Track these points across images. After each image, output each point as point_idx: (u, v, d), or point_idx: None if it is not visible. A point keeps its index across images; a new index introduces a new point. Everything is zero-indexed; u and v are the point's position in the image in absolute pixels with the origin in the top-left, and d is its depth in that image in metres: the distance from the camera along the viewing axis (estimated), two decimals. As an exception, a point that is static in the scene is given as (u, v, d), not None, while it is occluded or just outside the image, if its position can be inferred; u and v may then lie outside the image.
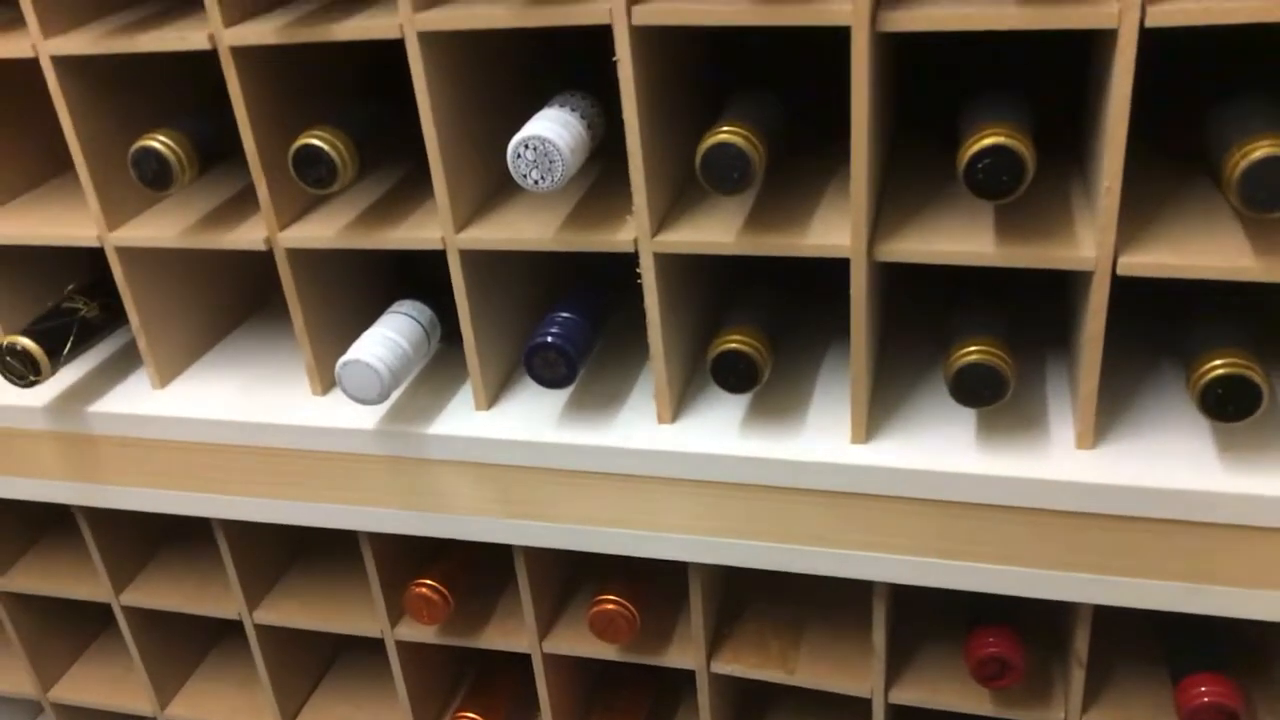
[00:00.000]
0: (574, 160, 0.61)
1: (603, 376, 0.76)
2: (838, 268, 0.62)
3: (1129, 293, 0.60)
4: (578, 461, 0.70)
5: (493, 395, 0.74)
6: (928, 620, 0.80)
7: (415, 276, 0.78)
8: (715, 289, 0.76)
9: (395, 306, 0.73)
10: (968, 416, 0.67)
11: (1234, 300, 0.62)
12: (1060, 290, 0.73)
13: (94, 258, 0.77)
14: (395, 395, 0.76)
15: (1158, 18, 0.52)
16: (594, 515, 0.72)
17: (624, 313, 0.73)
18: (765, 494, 0.67)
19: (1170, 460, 0.62)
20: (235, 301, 0.88)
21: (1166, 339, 0.70)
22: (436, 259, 0.69)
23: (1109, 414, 0.66)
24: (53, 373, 0.75)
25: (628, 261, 0.65)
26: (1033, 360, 0.72)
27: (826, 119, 0.67)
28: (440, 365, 0.79)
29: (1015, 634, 0.71)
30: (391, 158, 0.79)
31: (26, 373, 0.74)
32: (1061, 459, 0.63)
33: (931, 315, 0.72)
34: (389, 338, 0.70)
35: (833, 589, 0.82)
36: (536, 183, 0.61)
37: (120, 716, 1.05)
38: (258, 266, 0.76)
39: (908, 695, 0.77)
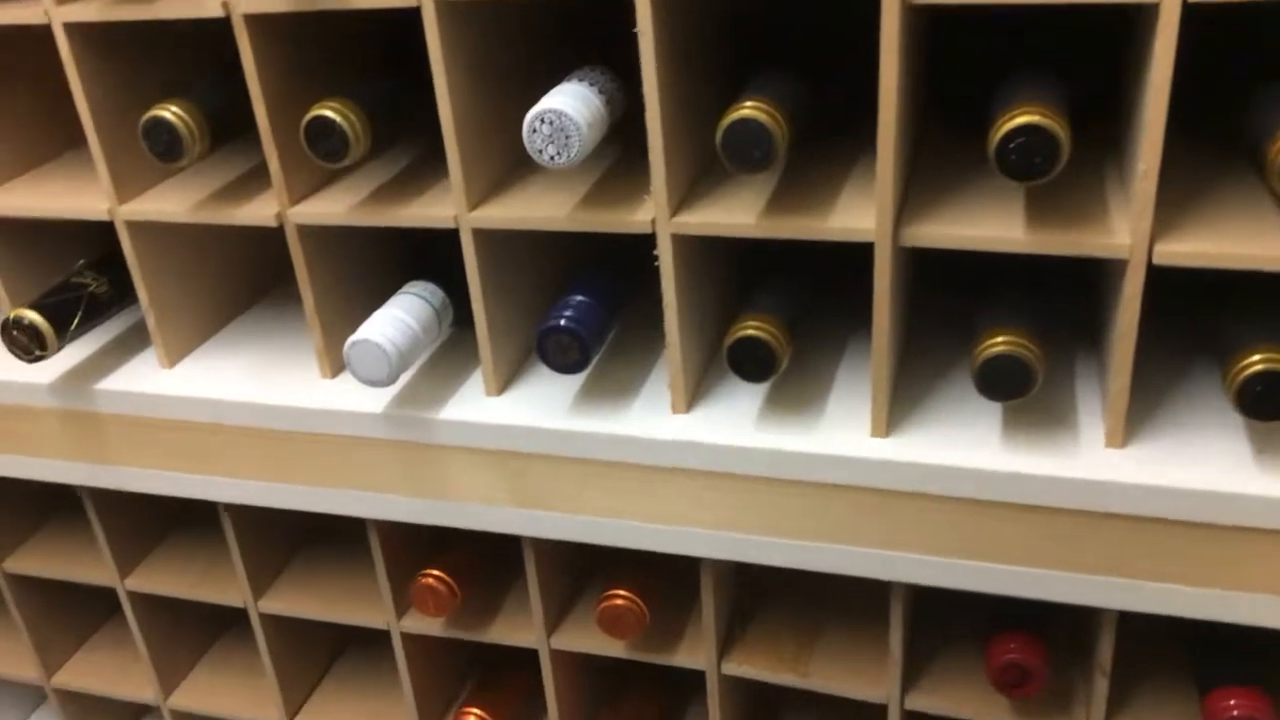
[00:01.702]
0: (591, 135, 0.59)
1: (617, 364, 0.74)
2: (860, 257, 0.60)
3: (1163, 285, 0.58)
4: (589, 450, 0.68)
5: (504, 381, 0.72)
6: (947, 625, 0.78)
7: (428, 259, 0.76)
8: (734, 277, 0.74)
9: (407, 288, 0.72)
10: (993, 412, 0.65)
11: (1274, 294, 0.60)
12: (1091, 284, 0.70)
13: (104, 234, 0.76)
14: (405, 379, 0.74)
15: (1202, -6, 0.50)
16: (605, 506, 0.70)
17: (640, 301, 0.71)
18: (781, 488, 0.65)
19: (1203, 461, 0.59)
20: (246, 283, 0.86)
21: (1201, 336, 0.68)
22: (450, 240, 0.67)
23: (1140, 412, 0.63)
24: (59, 348, 0.74)
25: (645, 247, 0.63)
26: (1062, 356, 0.69)
27: (853, 100, 0.65)
28: (451, 350, 0.77)
29: (1037, 641, 0.68)
30: (406, 138, 0.78)
31: (33, 347, 0.73)
32: (1090, 457, 0.61)
33: (957, 309, 0.70)
34: (399, 318, 0.68)
35: (849, 591, 0.80)
36: (552, 158, 0.59)
37: (123, 705, 1.04)
38: (270, 249, 0.74)
39: (925, 702, 0.74)
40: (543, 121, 0.58)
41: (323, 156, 0.64)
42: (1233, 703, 0.63)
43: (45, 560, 0.96)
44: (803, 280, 0.71)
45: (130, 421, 0.78)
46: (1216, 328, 0.61)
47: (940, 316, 0.74)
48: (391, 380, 0.67)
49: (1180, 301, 0.68)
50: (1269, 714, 0.62)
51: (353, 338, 0.67)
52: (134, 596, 0.93)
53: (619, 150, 0.71)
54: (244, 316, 0.85)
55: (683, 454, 0.66)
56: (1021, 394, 0.59)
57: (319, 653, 0.98)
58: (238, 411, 0.75)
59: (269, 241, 0.73)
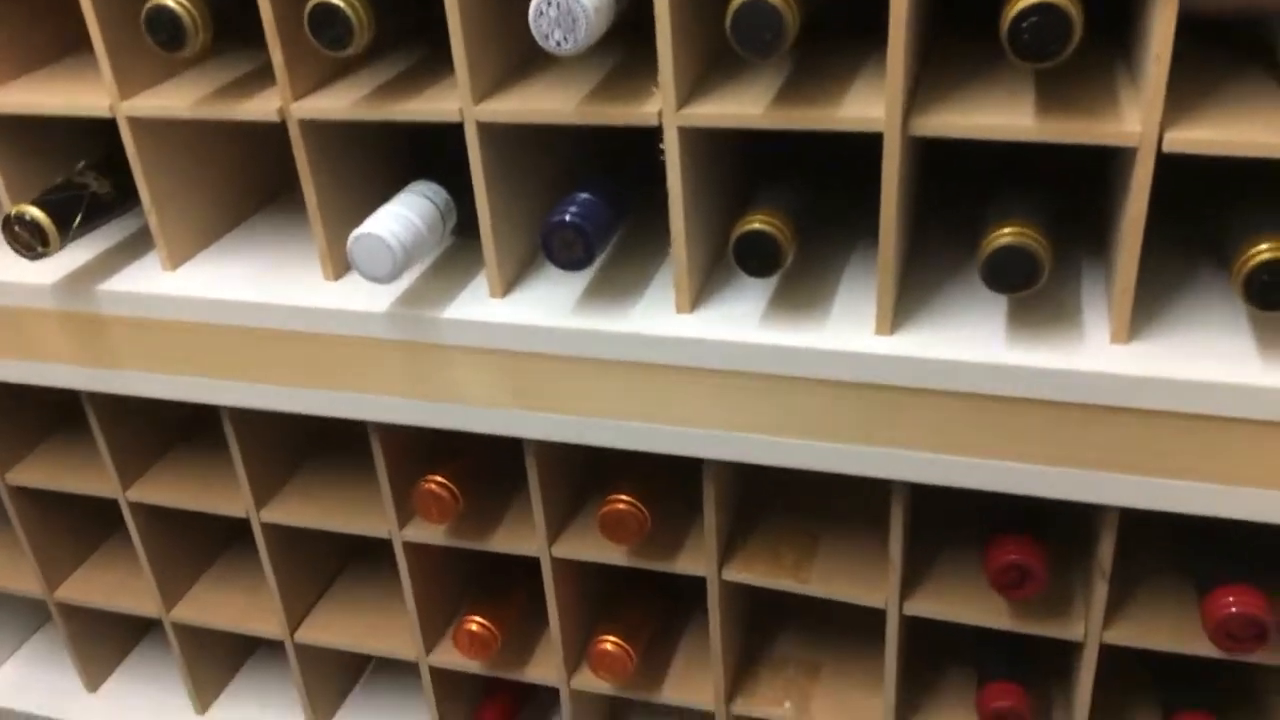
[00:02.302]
0: (598, 20, 0.58)
1: (623, 267, 0.74)
2: (868, 156, 0.59)
3: (1170, 190, 0.57)
4: (592, 349, 0.68)
5: (509, 282, 0.72)
6: (946, 533, 0.78)
7: (433, 161, 0.76)
8: (741, 177, 0.74)
9: (411, 186, 0.71)
10: (999, 310, 0.65)
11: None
12: (1098, 193, 0.70)
13: (107, 135, 0.75)
14: (408, 280, 0.74)
15: None
16: (607, 407, 0.70)
17: (649, 212, 0.71)
18: (785, 386, 0.65)
19: (1208, 355, 0.60)
20: (251, 190, 0.86)
21: (1205, 241, 0.68)
22: (455, 140, 0.67)
23: (1145, 310, 0.63)
24: (61, 245, 0.73)
25: (652, 153, 0.63)
26: (1068, 259, 0.69)
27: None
28: (456, 257, 0.77)
29: (1037, 543, 0.69)
30: (411, 42, 0.77)
31: (34, 243, 0.73)
32: (1095, 352, 0.61)
33: (965, 219, 0.69)
34: (403, 214, 0.68)
35: (849, 500, 0.81)
36: (559, 44, 0.58)
37: (127, 620, 1.05)
38: (275, 155, 0.74)
39: (923, 607, 0.74)
40: (549, 4, 0.58)
41: (327, 45, 0.63)
42: (1231, 599, 0.63)
43: (48, 472, 0.96)
44: (810, 180, 0.71)
45: (131, 323, 0.78)
46: (1222, 226, 0.61)
47: (948, 224, 0.73)
48: (395, 276, 0.67)
49: (1185, 206, 0.67)
50: (1269, 611, 0.63)
51: (356, 231, 0.66)
52: (136, 508, 0.93)
53: (626, 50, 0.70)
54: (249, 222, 0.85)
55: (686, 351, 0.66)
56: (1028, 285, 0.59)
57: (322, 566, 0.99)
58: (239, 312, 0.74)
59: (274, 147, 0.72)
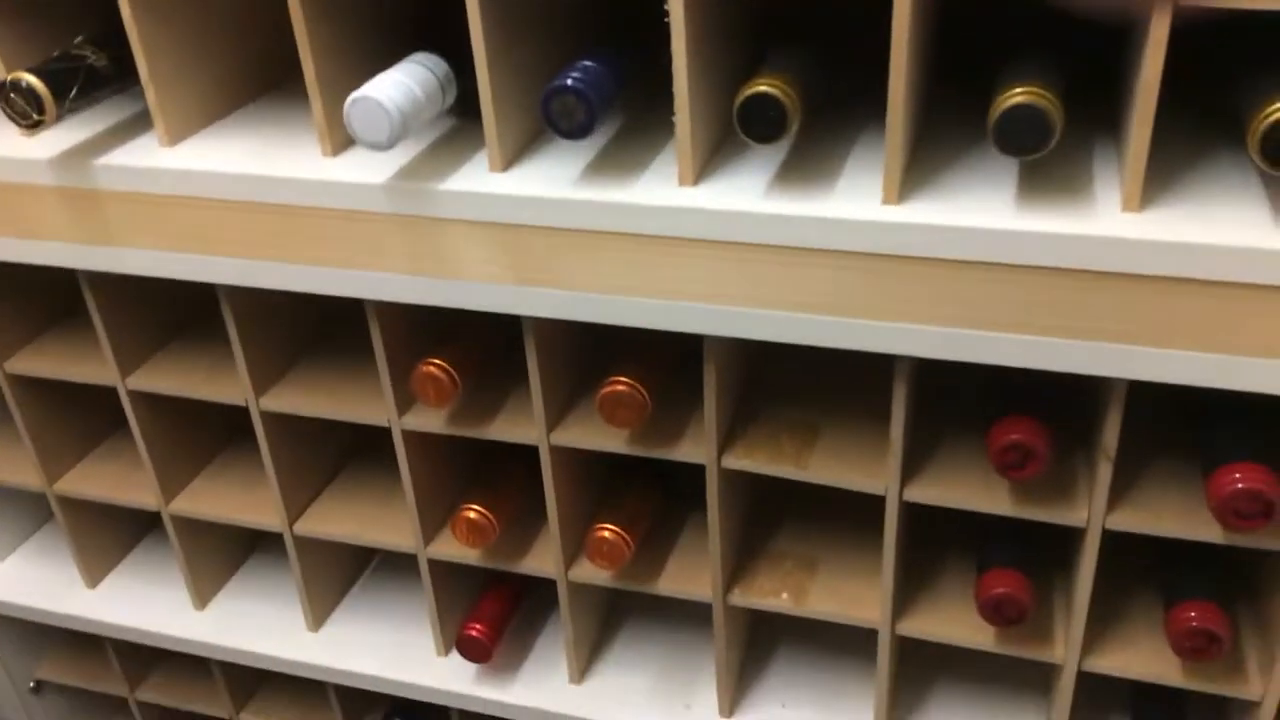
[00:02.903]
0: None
1: (626, 144, 0.72)
2: (883, 30, 0.58)
3: (1182, 56, 0.56)
4: (591, 221, 0.67)
5: (509, 157, 0.71)
6: (948, 419, 0.78)
7: (436, 37, 0.74)
8: (751, 47, 0.72)
9: (411, 57, 0.70)
10: (1009, 180, 0.64)
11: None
12: (1111, 64, 0.68)
13: (104, 8, 0.74)
14: (408, 156, 0.73)
15: None
16: (608, 282, 0.69)
17: (655, 80, 0.69)
18: (789, 257, 0.64)
19: (1221, 221, 0.58)
20: (251, 74, 0.84)
21: (1218, 111, 0.66)
22: (458, 14, 0.65)
23: (1159, 181, 0.62)
24: (57, 116, 0.72)
25: (659, 13, 0.61)
26: (1080, 134, 0.68)
27: None
28: (459, 137, 0.75)
29: (1040, 424, 0.68)
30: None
31: (30, 111, 0.71)
32: (1107, 219, 0.59)
33: (978, 91, 0.67)
34: (402, 81, 0.67)
35: (852, 391, 0.80)
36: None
37: (128, 514, 1.05)
38: (279, 39, 0.72)
39: (924, 493, 0.74)
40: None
41: (325, -104, 0.62)
42: (1237, 476, 0.62)
43: (47, 361, 0.96)
44: (823, 55, 0.69)
45: (128, 199, 0.77)
46: (1236, 91, 0.60)
47: (961, 103, 0.72)
48: (392, 143, 0.66)
49: (1198, 79, 0.66)
50: (1275, 488, 0.62)
51: (354, 94, 0.65)
52: (135, 396, 0.92)
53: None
54: (251, 105, 0.84)
55: (688, 222, 0.65)
56: (1040, 148, 0.57)
57: (323, 460, 0.99)
58: (234, 185, 0.73)
59: (277, 32, 0.70)
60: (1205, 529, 0.68)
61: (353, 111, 0.65)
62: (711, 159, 0.70)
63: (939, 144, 0.69)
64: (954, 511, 0.75)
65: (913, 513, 0.82)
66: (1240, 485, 0.62)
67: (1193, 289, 0.58)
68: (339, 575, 1.06)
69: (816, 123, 0.72)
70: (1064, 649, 0.76)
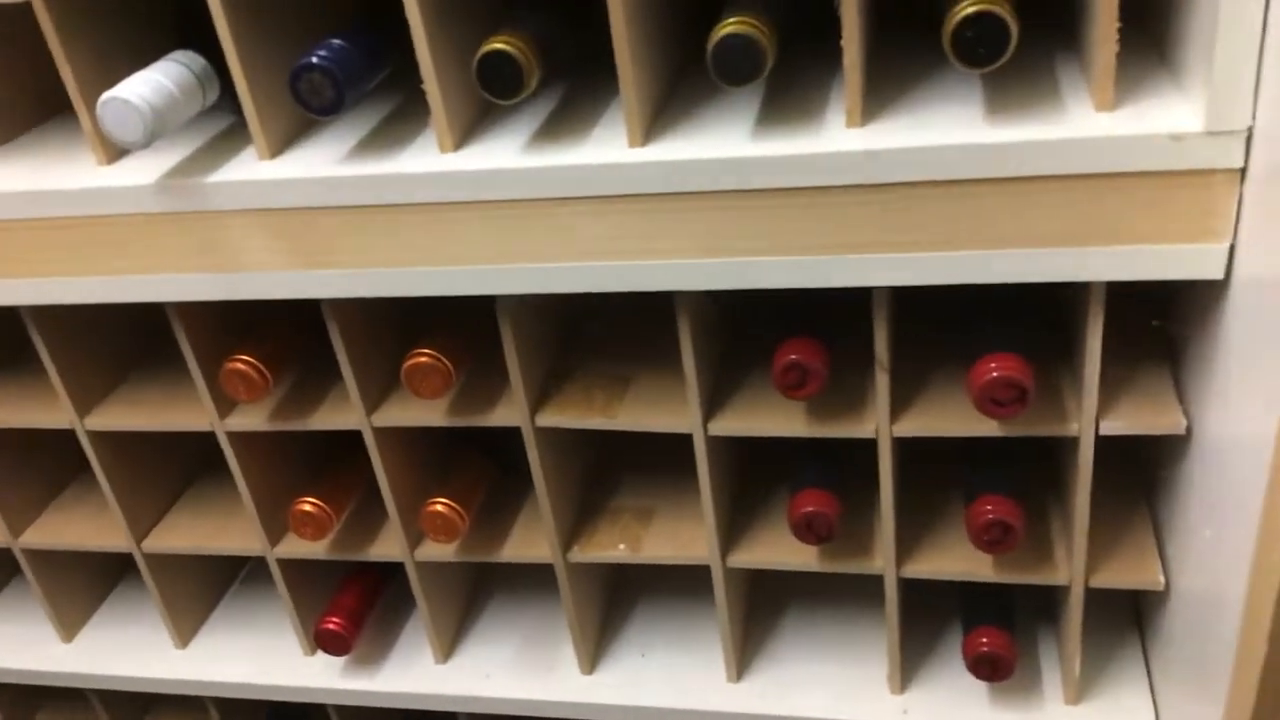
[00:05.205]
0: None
1: (398, 119, 0.74)
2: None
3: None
4: (362, 195, 0.68)
5: (277, 144, 0.72)
6: (746, 355, 0.80)
7: (197, 37, 0.75)
8: (492, 9, 0.74)
9: (168, 55, 0.71)
10: (749, 111, 0.66)
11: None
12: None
13: None
14: (179, 155, 0.73)
15: None
16: (387, 256, 0.70)
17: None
18: (548, 208, 0.66)
19: (937, 125, 0.61)
20: (30, 101, 0.85)
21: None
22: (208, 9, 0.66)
23: (877, 98, 0.64)
24: None
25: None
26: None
27: None
28: (231, 134, 0.76)
29: (815, 341, 0.70)
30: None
31: None
32: (835, 135, 0.62)
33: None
34: (154, 79, 0.68)
35: (662, 344, 0.82)
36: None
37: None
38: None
39: (725, 426, 0.76)
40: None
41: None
42: (993, 366, 0.65)
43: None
44: (557, 8, 0.71)
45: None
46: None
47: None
48: (148, 140, 0.66)
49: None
50: (1026, 373, 0.65)
51: (104, 96, 0.66)
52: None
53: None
54: (37, 129, 0.84)
55: (450, 185, 0.67)
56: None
57: (165, 474, 0.98)
58: (16, 203, 0.74)
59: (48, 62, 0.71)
60: (982, 425, 0.71)
61: (104, 113, 0.66)
62: (478, 126, 0.71)
63: (685, 89, 0.71)
64: (774, 445, 0.77)
65: (733, 451, 0.84)
66: (995, 374, 0.65)
67: (923, 191, 0.60)
68: (205, 589, 1.06)
69: (573, 81, 0.74)
70: (881, 559, 0.79)
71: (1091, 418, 0.69)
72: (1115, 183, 0.58)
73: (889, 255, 0.63)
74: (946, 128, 0.61)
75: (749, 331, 0.82)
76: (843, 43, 0.60)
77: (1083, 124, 0.58)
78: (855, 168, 0.60)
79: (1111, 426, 0.69)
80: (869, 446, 0.74)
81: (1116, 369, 0.71)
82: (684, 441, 0.77)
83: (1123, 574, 0.76)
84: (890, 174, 0.60)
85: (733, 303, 0.82)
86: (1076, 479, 0.71)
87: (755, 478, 0.88)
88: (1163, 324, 0.73)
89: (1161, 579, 0.76)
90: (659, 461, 0.91)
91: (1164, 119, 0.58)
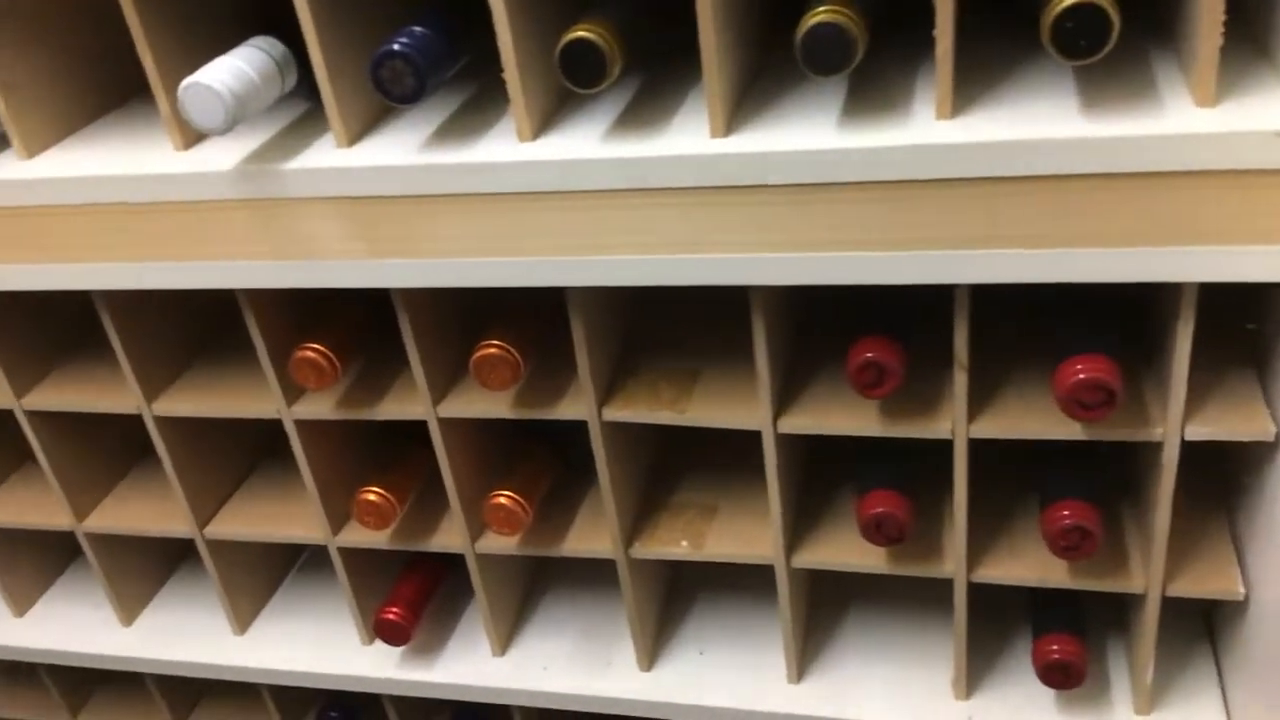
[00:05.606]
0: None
1: (474, 107, 0.73)
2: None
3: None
4: (438, 184, 0.68)
5: (355, 132, 0.72)
6: (820, 353, 0.79)
7: (278, 24, 0.75)
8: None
9: (248, 41, 0.71)
10: (834, 103, 0.65)
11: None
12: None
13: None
14: (257, 141, 0.73)
15: None
16: (462, 245, 0.70)
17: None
18: (629, 199, 0.65)
19: (1032, 119, 0.60)
20: (109, 84, 0.85)
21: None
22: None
23: (967, 91, 0.63)
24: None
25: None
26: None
27: None
28: (308, 120, 0.76)
29: (893, 341, 0.69)
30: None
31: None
32: (924, 128, 0.61)
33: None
34: (235, 64, 0.68)
35: (732, 337, 0.81)
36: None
37: (44, 534, 1.05)
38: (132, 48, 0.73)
39: (797, 424, 0.75)
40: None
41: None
42: (1079, 368, 0.64)
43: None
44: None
45: (-7, 213, 0.77)
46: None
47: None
48: (228, 125, 0.66)
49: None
50: (1115, 375, 0.64)
51: (185, 82, 0.66)
52: (31, 416, 0.93)
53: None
54: (110, 115, 0.85)
55: (529, 175, 0.66)
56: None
57: (229, 460, 0.99)
58: (96, 187, 0.74)
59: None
60: (1064, 428, 0.69)
61: (185, 98, 0.66)
62: (556, 114, 0.71)
63: (765, 77, 0.70)
64: (839, 444, 0.76)
65: (800, 448, 0.83)
66: (1082, 376, 0.63)
67: (1014, 186, 0.59)
68: (264, 576, 1.06)
69: (650, 72, 0.73)
70: (952, 563, 0.77)
71: (1178, 423, 0.67)
72: (1216, 180, 0.57)
73: (976, 251, 0.62)
74: (1041, 121, 0.59)
75: (818, 327, 0.81)
76: (935, 32, 0.59)
77: (1184, 119, 0.57)
78: (948, 161, 0.59)
79: (1197, 432, 0.68)
80: (937, 447, 0.73)
81: (1202, 373, 0.69)
82: (749, 438, 0.77)
83: (1200, 583, 0.75)
84: (983, 168, 0.59)
85: (801, 298, 0.81)
86: (1158, 485, 0.70)
87: (817, 476, 0.86)
88: (1257, 328, 0.71)
89: (1241, 589, 0.74)
90: (723, 458, 0.90)
91: (1268, 115, 0.56)
